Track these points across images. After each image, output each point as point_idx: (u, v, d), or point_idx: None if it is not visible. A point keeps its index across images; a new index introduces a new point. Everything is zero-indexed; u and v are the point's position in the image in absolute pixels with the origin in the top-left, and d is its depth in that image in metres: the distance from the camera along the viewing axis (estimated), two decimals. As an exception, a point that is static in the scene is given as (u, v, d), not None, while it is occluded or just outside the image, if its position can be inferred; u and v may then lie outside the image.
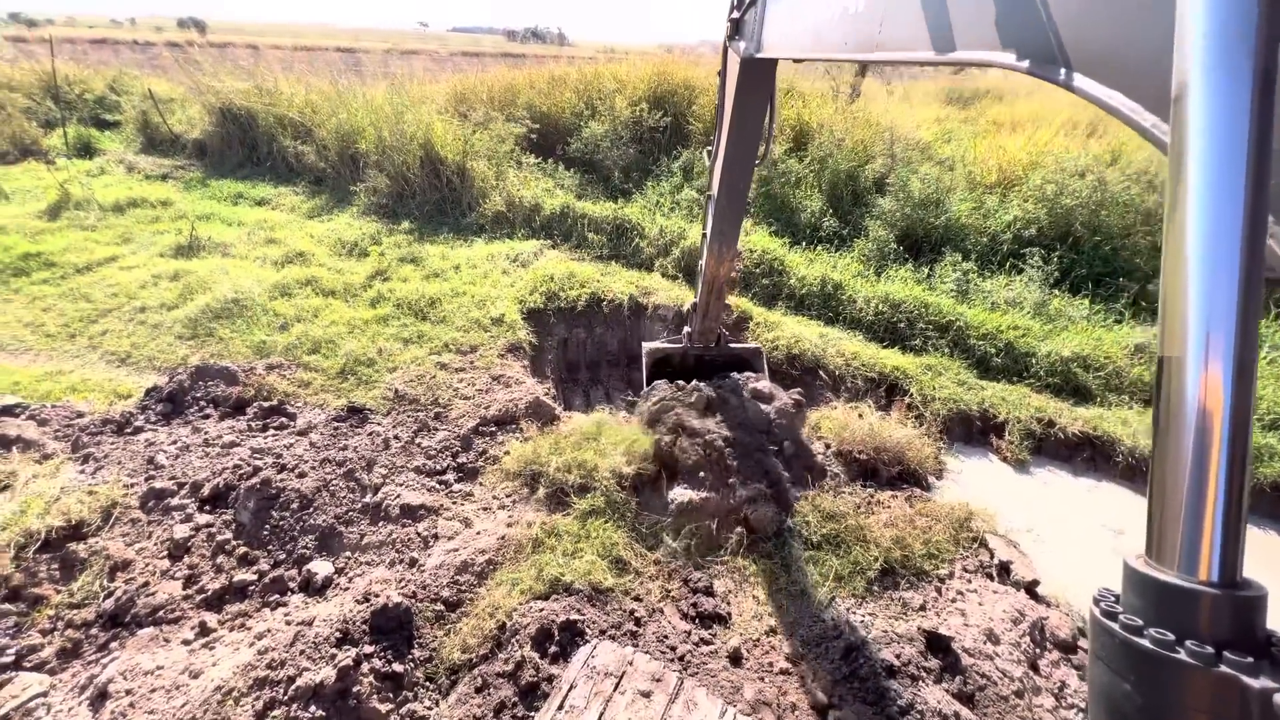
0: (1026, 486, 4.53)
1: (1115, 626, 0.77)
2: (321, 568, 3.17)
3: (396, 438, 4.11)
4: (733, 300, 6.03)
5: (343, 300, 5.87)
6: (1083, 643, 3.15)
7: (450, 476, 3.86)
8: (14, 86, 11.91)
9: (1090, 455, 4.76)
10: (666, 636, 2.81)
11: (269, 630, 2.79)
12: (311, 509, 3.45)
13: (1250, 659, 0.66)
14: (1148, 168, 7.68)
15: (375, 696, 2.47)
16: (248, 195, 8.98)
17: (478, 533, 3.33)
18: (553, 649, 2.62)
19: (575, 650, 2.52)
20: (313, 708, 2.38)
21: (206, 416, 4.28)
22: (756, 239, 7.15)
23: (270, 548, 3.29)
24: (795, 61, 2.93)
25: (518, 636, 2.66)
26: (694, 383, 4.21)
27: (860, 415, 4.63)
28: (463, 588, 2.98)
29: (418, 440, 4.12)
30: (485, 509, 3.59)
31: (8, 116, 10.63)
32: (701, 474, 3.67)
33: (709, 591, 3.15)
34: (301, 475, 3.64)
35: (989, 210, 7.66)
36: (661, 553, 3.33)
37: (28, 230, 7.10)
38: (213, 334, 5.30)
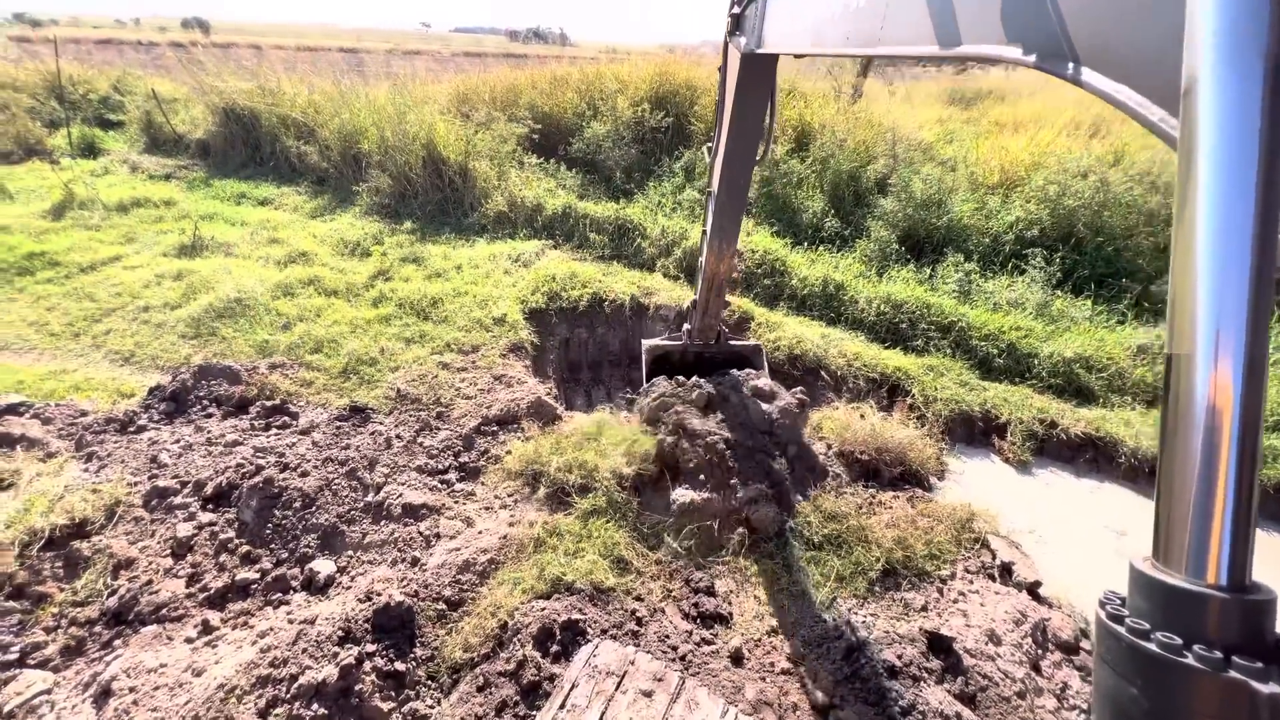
0: (1028, 487, 4.52)
1: (1121, 630, 0.75)
2: (324, 566, 3.17)
3: (399, 437, 4.12)
4: (735, 301, 6.04)
5: (345, 300, 5.88)
6: (1085, 644, 3.14)
7: (452, 476, 3.87)
8: (19, 86, 11.96)
9: (1093, 456, 4.75)
10: (668, 636, 2.81)
11: (271, 629, 2.79)
12: (314, 508, 3.46)
13: (1260, 664, 0.65)
14: (1151, 168, 7.67)
15: (377, 695, 2.47)
16: (250, 195, 9.00)
17: (479, 532, 3.33)
18: (554, 648, 2.62)
19: (577, 649, 2.52)
20: (315, 706, 2.38)
21: (209, 415, 4.29)
22: (758, 239, 7.15)
23: (273, 546, 3.30)
24: (796, 57, 2.91)
25: (519, 635, 2.67)
26: (694, 379, 4.21)
27: (862, 416, 4.62)
28: (464, 587, 2.98)
29: (420, 439, 4.13)
30: (487, 508, 3.59)
31: (12, 116, 10.67)
32: (703, 475, 3.67)
33: (710, 591, 3.15)
34: (304, 474, 3.65)
35: (991, 211, 7.65)
36: (663, 553, 3.33)
37: (32, 230, 7.12)
38: (216, 333, 5.32)
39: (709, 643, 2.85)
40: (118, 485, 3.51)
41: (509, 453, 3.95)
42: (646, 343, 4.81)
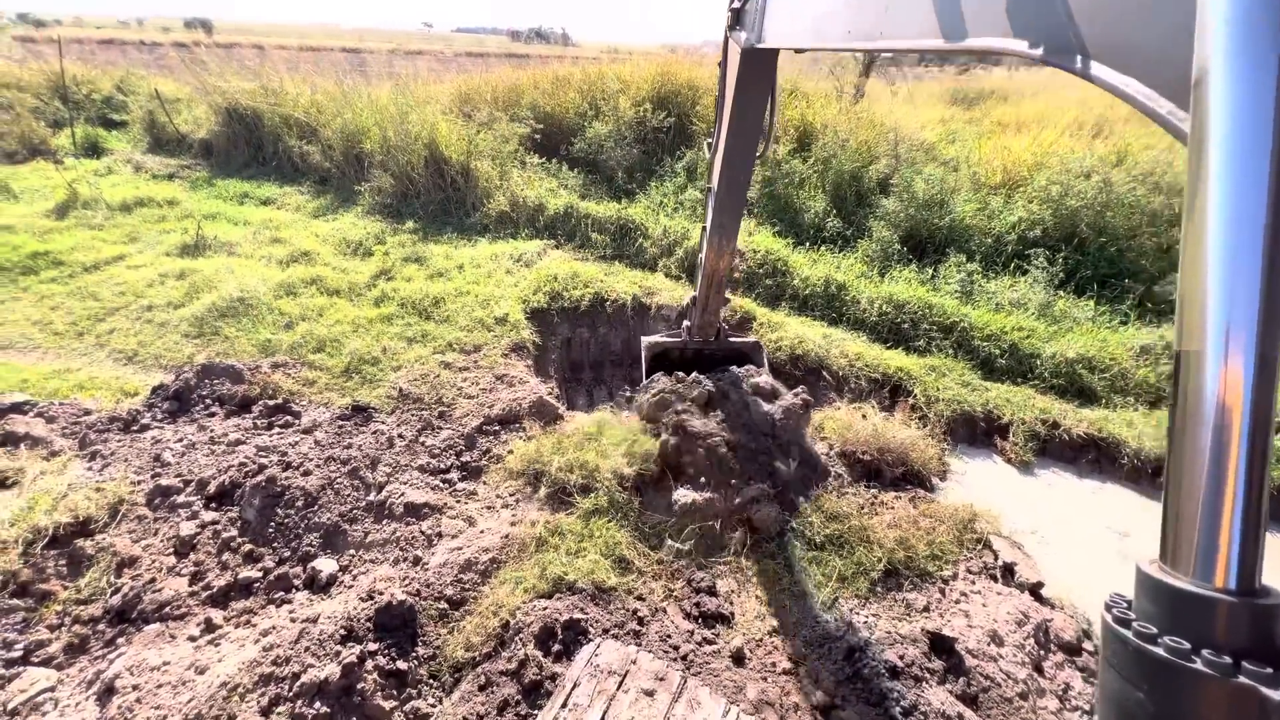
0: (1031, 488, 4.51)
1: (1128, 634, 0.74)
2: (326, 565, 3.18)
3: (401, 436, 4.12)
4: (737, 301, 6.03)
5: (347, 299, 5.89)
6: (1087, 645, 3.13)
7: (454, 475, 3.87)
8: (22, 87, 12.00)
9: (1095, 457, 4.74)
10: (669, 636, 2.81)
11: (274, 627, 2.80)
12: (316, 507, 3.47)
13: (1270, 670, 0.64)
14: (1154, 169, 7.64)
15: (379, 693, 2.48)
16: (253, 195, 9.02)
17: (481, 531, 3.33)
18: (556, 647, 2.62)
19: (579, 649, 2.52)
20: (317, 704, 2.39)
21: (212, 414, 4.30)
22: (760, 239, 7.15)
23: (275, 545, 3.30)
24: (797, 52, 2.84)
25: (521, 635, 2.67)
26: (694, 375, 4.20)
27: (864, 416, 4.62)
28: (466, 586, 2.98)
29: (422, 439, 4.13)
30: (489, 508, 3.59)
31: (16, 116, 10.71)
32: (704, 476, 3.67)
33: (712, 591, 3.15)
34: (306, 473, 3.65)
35: (993, 211, 7.63)
36: (664, 552, 3.33)
37: (36, 229, 7.15)
38: (218, 333, 5.33)
39: (710, 642, 2.85)
40: (121, 484, 3.52)
41: (511, 452, 3.96)
42: (646, 339, 4.80)
